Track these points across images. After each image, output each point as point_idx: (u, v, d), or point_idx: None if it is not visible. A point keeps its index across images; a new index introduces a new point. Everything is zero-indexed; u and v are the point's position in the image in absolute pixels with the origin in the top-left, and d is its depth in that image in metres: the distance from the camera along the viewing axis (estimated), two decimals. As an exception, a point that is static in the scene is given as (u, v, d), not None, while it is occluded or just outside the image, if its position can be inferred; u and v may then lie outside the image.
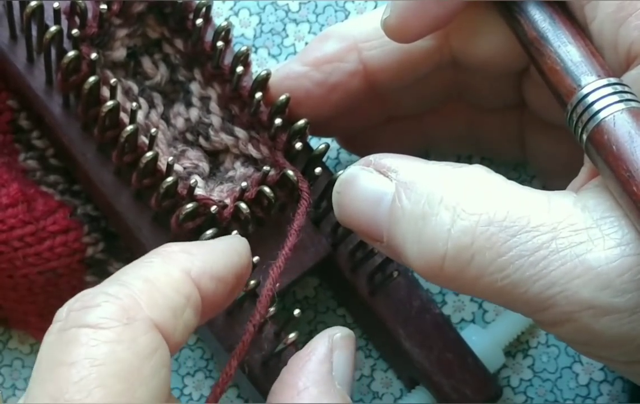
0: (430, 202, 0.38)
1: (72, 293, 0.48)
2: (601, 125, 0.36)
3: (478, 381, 0.48)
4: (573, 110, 0.37)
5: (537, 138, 0.47)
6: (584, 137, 0.37)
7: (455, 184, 0.39)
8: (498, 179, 0.39)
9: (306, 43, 0.54)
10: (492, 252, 0.37)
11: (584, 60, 0.38)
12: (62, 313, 0.37)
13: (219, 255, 0.40)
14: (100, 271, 0.49)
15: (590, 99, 0.37)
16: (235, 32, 0.54)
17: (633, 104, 0.36)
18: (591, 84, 0.37)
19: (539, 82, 0.41)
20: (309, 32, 0.54)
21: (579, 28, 0.40)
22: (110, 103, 0.44)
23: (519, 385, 0.52)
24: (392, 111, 0.49)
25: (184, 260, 0.39)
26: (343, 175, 0.42)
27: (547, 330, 0.38)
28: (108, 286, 0.37)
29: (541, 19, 0.39)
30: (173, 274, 0.38)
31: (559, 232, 0.36)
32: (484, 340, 0.50)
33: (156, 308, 0.36)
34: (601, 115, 0.36)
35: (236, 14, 0.54)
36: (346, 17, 0.54)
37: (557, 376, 0.52)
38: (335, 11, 0.55)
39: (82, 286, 0.49)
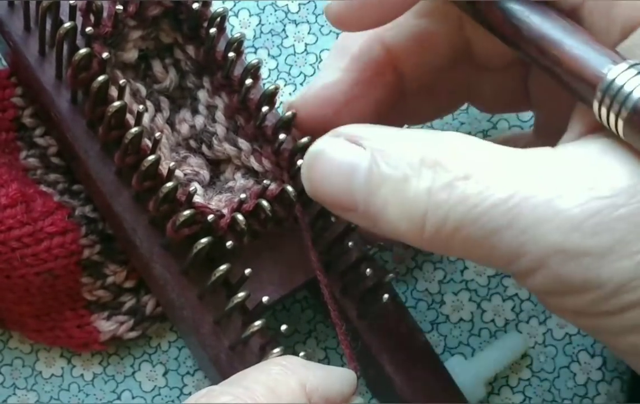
0: (411, 164, 0.39)
1: (69, 295, 0.49)
2: (638, 104, 0.36)
3: (458, 412, 0.48)
4: (602, 100, 0.37)
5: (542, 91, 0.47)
6: (620, 121, 0.36)
7: (434, 145, 0.39)
8: (473, 139, 0.39)
9: (306, 44, 0.54)
10: (467, 204, 0.37)
11: (597, 50, 0.38)
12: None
13: (334, 379, 0.41)
14: (95, 273, 0.50)
15: (618, 83, 0.36)
16: (235, 33, 0.54)
17: None
18: (614, 70, 0.37)
19: None
20: (309, 33, 0.55)
21: (572, 20, 0.40)
22: (117, 104, 0.44)
23: (517, 385, 0.52)
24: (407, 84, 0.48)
25: (301, 373, 0.40)
26: (312, 148, 0.42)
27: (523, 283, 0.38)
28: (232, 387, 0.39)
29: (525, 19, 0.40)
30: (290, 384, 0.39)
31: (532, 180, 0.37)
32: (467, 372, 0.50)
33: None
34: (635, 95, 0.36)
35: (236, 15, 0.55)
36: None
37: (555, 375, 0.52)
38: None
39: (78, 288, 0.49)
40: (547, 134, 0.42)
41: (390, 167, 0.39)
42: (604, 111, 0.37)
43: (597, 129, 0.38)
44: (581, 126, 0.39)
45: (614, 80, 0.37)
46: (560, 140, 0.40)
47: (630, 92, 0.36)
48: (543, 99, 0.46)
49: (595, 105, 0.37)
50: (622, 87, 0.36)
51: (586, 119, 0.39)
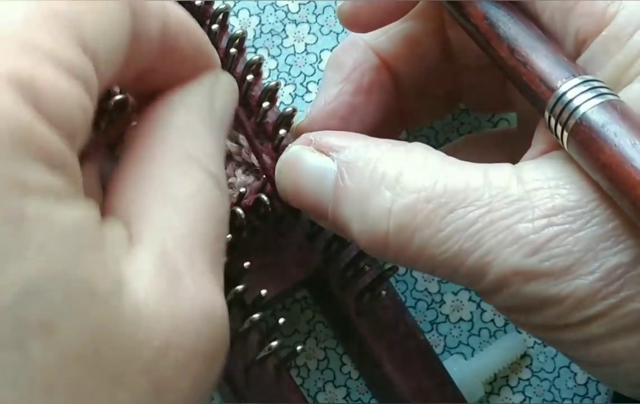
0: (372, 181, 0.39)
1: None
2: (583, 118, 0.37)
3: (455, 411, 0.48)
4: (551, 111, 0.38)
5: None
6: (565, 134, 0.37)
7: (396, 162, 0.40)
8: (437, 156, 0.40)
9: (306, 44, 0.55)
10: (432, 229, 0.38)
11: (556, 62, 0.39)
12: None
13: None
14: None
15: (568, 97, 0.37)
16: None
17: (609, 97, 0.37)
18: (567, 83, 0.38)
19: None
20: (309, 33, 0.55)
21: (540, 28, 0.40)
22: (119, 96, 0.44)
23: (517, 385, 0.52)
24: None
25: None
26: (284, 155, 0.43)
27: (489, 300, 0.39)
28: None
29: (506, 22, 0.40)
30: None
31: (493, 204, 0.38)
32: (466, 372, 0.50)
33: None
34: (581, 110, 0.37)
35: (236, 15, 0.55)
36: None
37: (555, 375, 0.52)
38: (335, 11, 0.55)
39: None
40: (528, 133, 0.42)
41: (354, 182, 0.40)
42: (553, 122, 0.38)
43: (557, 147, 0.39)
44: (542, 144, 0.40)
45: (565, 93, 0.37)
46: (523, 157, 0.41)
47: (577, 107, 0.37)
48: (519, 103, 0.47)
49: (547, 114, 0.38)
50: (571, 101, 0.37)
51: (547, 137, 0.40)
